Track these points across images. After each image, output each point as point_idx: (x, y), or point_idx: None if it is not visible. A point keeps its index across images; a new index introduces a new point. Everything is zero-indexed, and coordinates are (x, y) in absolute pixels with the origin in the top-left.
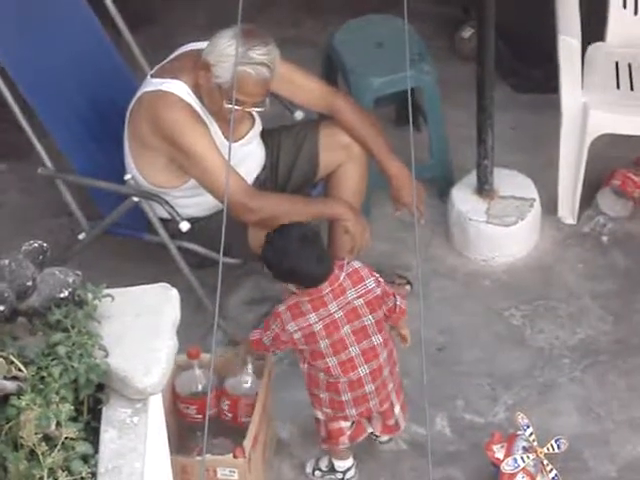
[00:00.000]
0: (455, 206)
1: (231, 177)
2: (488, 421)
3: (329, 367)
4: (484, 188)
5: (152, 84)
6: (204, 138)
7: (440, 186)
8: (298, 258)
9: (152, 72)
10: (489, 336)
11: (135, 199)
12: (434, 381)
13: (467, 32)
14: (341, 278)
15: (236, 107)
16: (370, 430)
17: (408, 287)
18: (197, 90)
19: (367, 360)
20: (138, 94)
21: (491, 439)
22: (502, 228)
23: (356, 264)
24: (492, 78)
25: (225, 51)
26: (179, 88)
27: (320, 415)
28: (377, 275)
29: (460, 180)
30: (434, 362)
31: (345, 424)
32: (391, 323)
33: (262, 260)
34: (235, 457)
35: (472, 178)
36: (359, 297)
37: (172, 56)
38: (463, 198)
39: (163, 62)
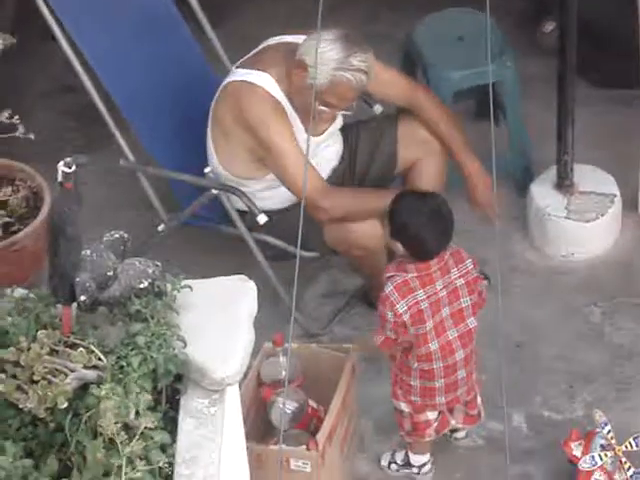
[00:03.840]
0: (534, 201)
1: (308, 174)
2: (566, 418)
3: (431, 352)
4: (564, 184)
5: (238, 74)
6: (286, 134)
7: (519, 181)
8: (425, 226)
9: (238, 63)
10: (568, 333)
11: (214, 191)
12: (512, 377)
13: (549, 26)
14: (446, 256)
15: (326, 109)
16: (453, 422)
17: (485, 282)
18: (284, 85)
19: (463, 345)
20: (224, 83)
21: (569, 436)
22: (582, 224)
23: (454, 246)
24: (573, 73)
25: (326, 55)
26: (266, 81)
27: (404, 407)
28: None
29: (539, 175)
30: (512, 358)
31: (432, 415)
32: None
33: (387, 214)
34: (308, 449)
35: (552, 173)
36: (460, 277)
37: (259, 48)
38: (542, 193)
39: (249, 54)
